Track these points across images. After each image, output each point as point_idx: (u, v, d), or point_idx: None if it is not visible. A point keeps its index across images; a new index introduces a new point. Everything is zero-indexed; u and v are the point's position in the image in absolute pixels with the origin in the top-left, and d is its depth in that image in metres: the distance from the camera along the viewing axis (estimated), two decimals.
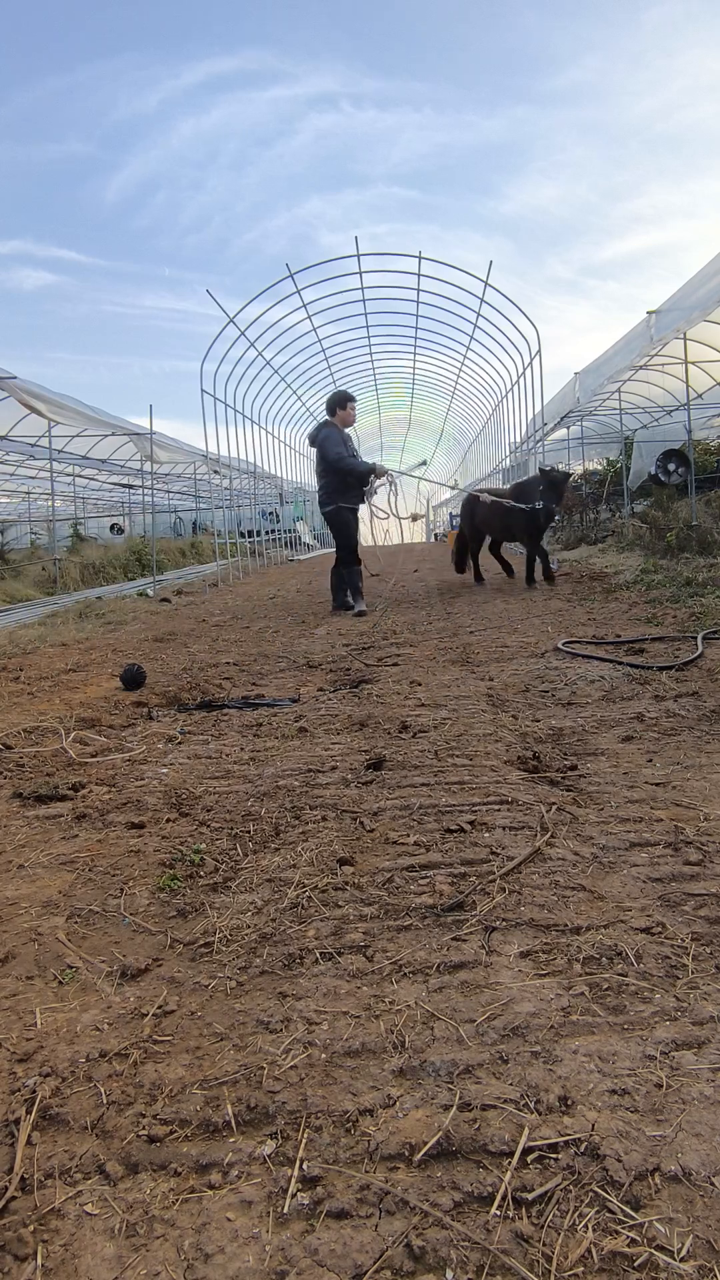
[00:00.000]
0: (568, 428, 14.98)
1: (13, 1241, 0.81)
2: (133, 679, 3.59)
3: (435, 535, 28.51)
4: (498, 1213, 0.82)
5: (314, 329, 13.88)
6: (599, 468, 17.46)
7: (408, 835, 1.77)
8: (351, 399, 6.58)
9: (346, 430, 6.55)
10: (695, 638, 3.78)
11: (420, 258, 11.58)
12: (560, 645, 3.94)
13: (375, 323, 14.51)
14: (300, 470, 21.11)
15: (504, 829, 1.78)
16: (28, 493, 20.08)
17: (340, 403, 6.46)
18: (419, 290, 12.51)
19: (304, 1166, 0.89)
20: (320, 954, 1.31)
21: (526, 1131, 0.91)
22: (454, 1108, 0.96)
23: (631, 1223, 0.80)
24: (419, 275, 11.98)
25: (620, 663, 3.47)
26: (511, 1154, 0.88)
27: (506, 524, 7.15)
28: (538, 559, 7.00)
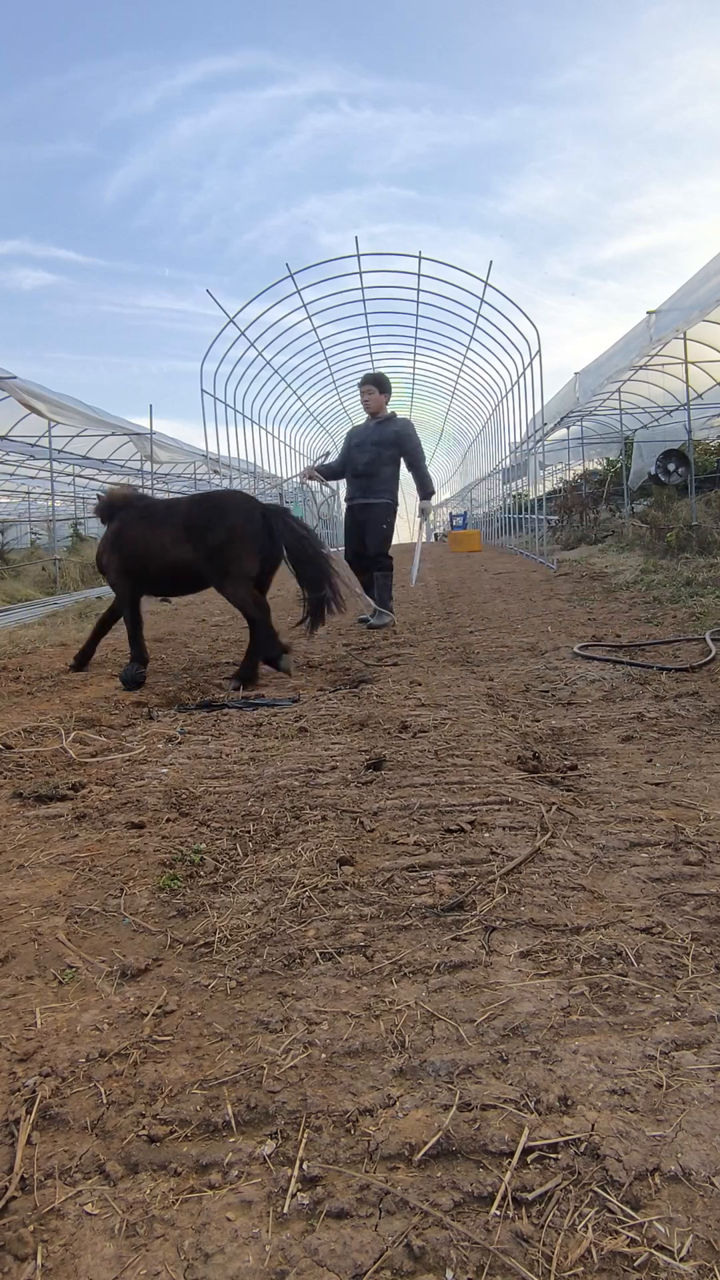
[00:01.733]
0: (568, 428, 14.99)
1: (13, 1241, 0.81)
2: (132, 679, 3.59)
3: (436, 535, 28.55)
4: (498, 1213, 0.82)
5: (314, 329, 13.89)
6: (599, 468, 17.46)
7: (408, 835, 1.77)
8: (361, 383, 5.70)
9: (372, 416, 5.61)
10: (704, 638, 3.78)
11: (420, 258, 11.59)
12: (576, 650, 3.80)
13: (375, 323, 14.51)
14: (301, 470, 21.08)
15: (504, 829, 1.78)
16: (28, 493, 20.08)
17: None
18: (419, 290, 12.51)
19: (304, 1166, 0.89)
20: (320, 954, 1.31)
21: (526, 1131, 0.91)
22: (454, 1108, 0.96)
23: (631, 1223, 0.80)
24: (419, 275, 11.99)
25: (634, 664, 3.47)
26: (511, 1154, 0.88)
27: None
28: None
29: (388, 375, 5.97)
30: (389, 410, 5.69)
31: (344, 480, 5.78)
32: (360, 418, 5.93)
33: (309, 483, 5.72)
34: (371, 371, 5.87)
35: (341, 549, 5.86)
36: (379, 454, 5.49)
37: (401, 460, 5.57)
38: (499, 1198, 0.83)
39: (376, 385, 5.63)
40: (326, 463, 5.81)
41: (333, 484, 5.85)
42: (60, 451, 12.91)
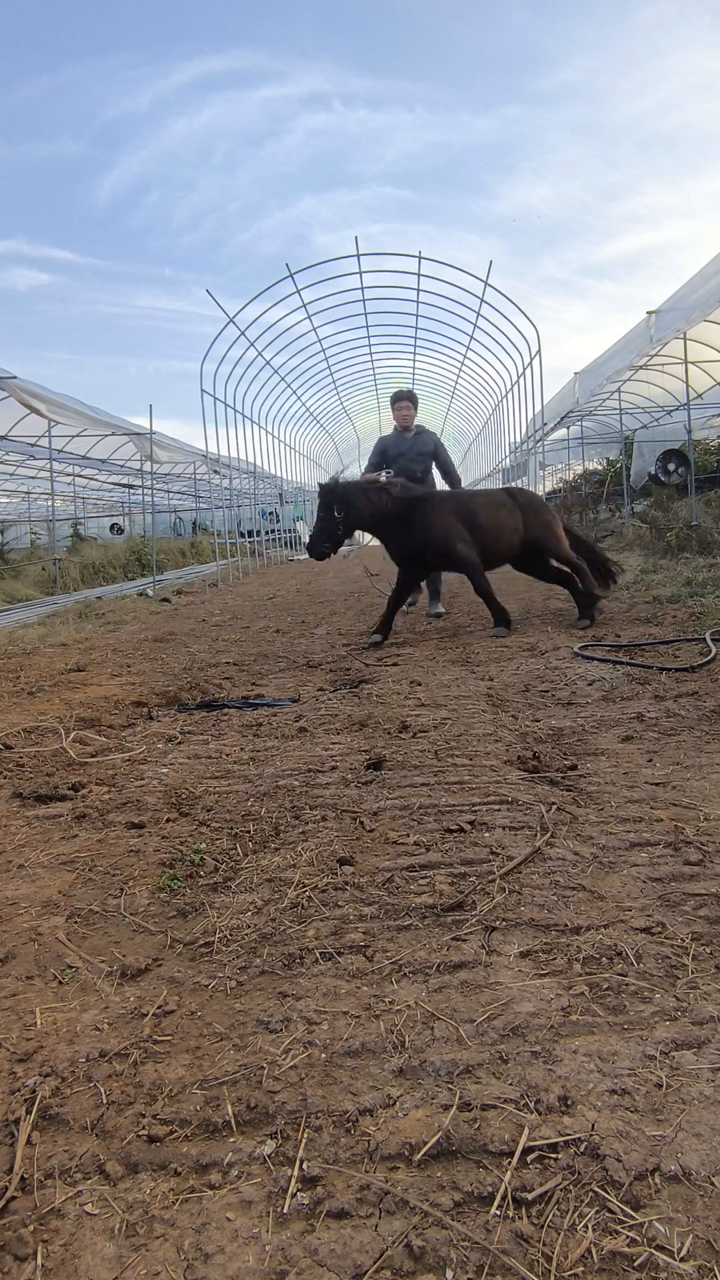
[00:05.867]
0: (568, 428, 14.99)
1: (13, 1241, 0.81)
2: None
3: None
4: (498, 1213, 0.82)
5: (314, 329, 13.88)
6: (599, 468, 17.46)
7: (408, 835, 1.77)
8: (395, 399, 6.10)
9: (404, 430, 6.00)
10: (704, 638, 3.77)
11: (420, 258, 11.58)
12: (576, 650, 3.83)
13: (375, 323, 14.50)
14: (300, 470, 21.11)
15: (504, 829, 1.78)
16: (28, 493, 20.09)
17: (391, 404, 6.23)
18: (419, 290, 12.50)
19: (304, 1166, 0.89)
20: (320, 954, 1.31)
21: (526, 1131, 0.91)
22: (454, 1108, 0.96)
23: (631, 1223, 0.80)
24: (419, 275, 11.98)
25: (634, 664, 3.47)
26: (511, 1154, 0.88)
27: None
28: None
29: (382, 380, 6.72)
30: (416, 423, 6.23)
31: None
32: (361, 420, 6.20)
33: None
34: (405, 389, 6.31)
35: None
36: (427, 465, 6.04)
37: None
38: (499, 1198, 0.83)
39: (411, 401, 6.16)
40: (382, 474, 6.09)
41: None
42: (60, 451, 12.90)
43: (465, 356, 14.87)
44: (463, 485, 6.20)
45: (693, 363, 10.30)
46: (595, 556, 5.09)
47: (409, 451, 5.91)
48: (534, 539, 4.88)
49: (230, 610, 7.10)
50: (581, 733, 2.52)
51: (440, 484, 6.08)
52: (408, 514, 4.73)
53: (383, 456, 5.94)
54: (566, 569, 4.92)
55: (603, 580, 5.10)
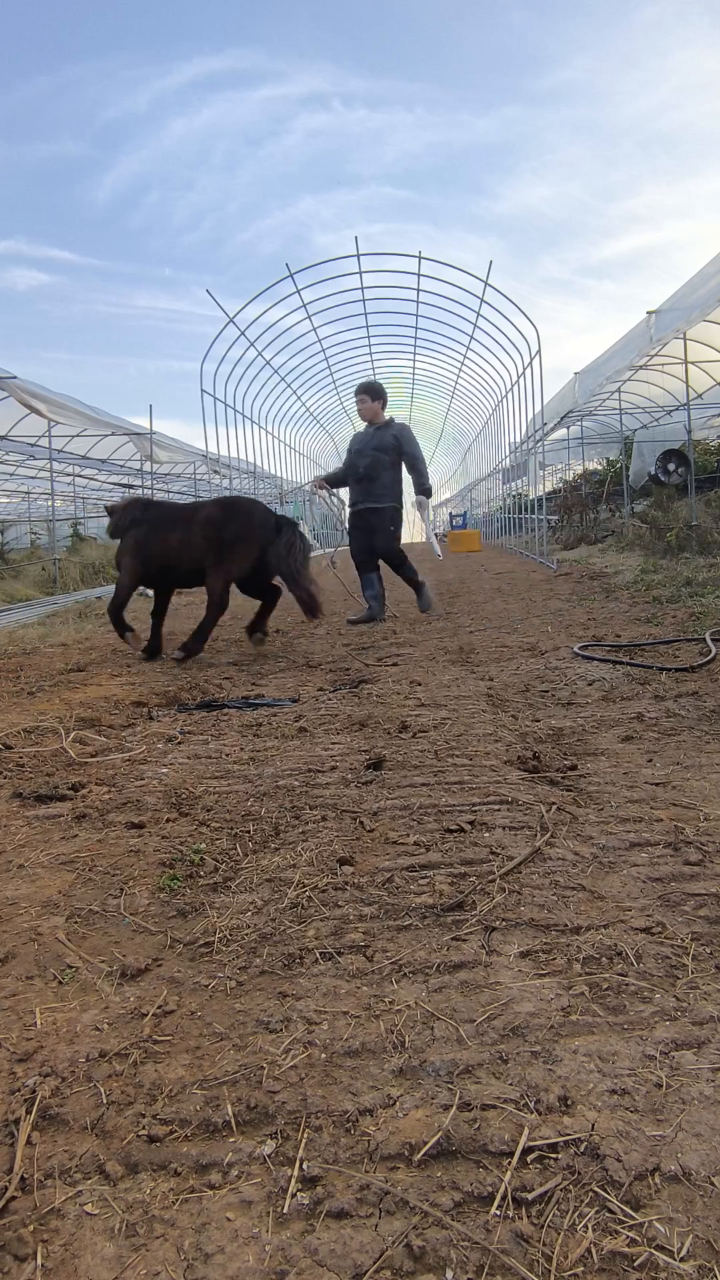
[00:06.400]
0: (568, 428, 15.01)
1: (13, 1241, 0.81)
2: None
3: (438, 535, 28.61)
4: (498, 1213, 0.82)
5: (314, 329, 13.90)
6: (599, 468, 17.48)
7: (408, 835, 1.77)
8: (355, 393, 5.97)
9: (370, 423, 5.84)
10: (704, 638, 3.77)
11: (420, 258, 11.59)
12: (576, 650, 3.82)
13: (375, 323, 14.53)
14: (301, 470, 21.11)
15: (504, 829, 1.78)
16: (28, 493, 20.11)
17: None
18: (419, 290, 12.52)
19: (304, 1166, 0.89)
20: (320, 954, 1.31)
21: (526, 1131, 0.91)
22: (454, 1107, 0.96)
23: (631, 1223, 0.80)
24: (419, 275, 12.00)
25: (634, 664, 3.46)
26: (511, 1154, 0.88)
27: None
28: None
29: (382, 380, 6.34)
30: (386, 416, 5.89)
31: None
32: (361, 420, 6.03)
33: (319, 493, 5.93)
34: (365, 381, 6.09)
35: (331, 549, 5.96)
36: (377, 459, 5.73)
37: (403, 463, 5.83)
38: (499, 1198, 0.83)
39: (369, 394, 5.84)
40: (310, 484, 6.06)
41: (341, 492, 6.00)
42: (60, 451, 12.91)
43: (465, 356, 14.88)
44: (427, 474, 5.89)
45: (693, 363, 10.31)
46: (299, 591, 4.63)
47: (365, 448, 5.74)
48: (199, 559, 4.49)
49: (229, 610, 7.09)
50: (581, 733, 2.52)
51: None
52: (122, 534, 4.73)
53: (349, 453, 5.83)
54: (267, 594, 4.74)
55: (308, 612, 4.75)
